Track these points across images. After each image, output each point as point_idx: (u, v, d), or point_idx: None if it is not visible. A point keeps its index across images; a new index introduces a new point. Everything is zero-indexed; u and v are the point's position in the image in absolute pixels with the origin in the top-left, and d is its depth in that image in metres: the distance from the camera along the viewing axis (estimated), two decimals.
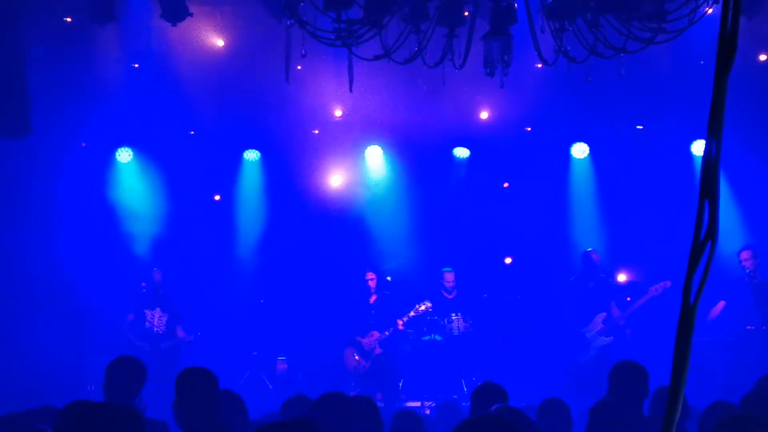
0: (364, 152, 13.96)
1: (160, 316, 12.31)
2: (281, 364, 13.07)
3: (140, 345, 11.98)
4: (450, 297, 12.96)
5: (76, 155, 12.94)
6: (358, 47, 6.76)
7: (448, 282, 12.94)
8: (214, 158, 13.68)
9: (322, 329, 13.26)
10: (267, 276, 13.61)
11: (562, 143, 13.88)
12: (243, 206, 13.99)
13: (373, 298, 12.71)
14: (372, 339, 12.49)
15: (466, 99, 12.79)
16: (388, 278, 13.00)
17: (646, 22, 6.48)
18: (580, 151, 13.92)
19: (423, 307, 12.42)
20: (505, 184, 14.00)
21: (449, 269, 13.01)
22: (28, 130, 10.79)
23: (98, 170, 13.29)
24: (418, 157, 13.84)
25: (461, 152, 14.02)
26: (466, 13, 6.88)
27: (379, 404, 5.84)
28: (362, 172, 14.00)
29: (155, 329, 12.25)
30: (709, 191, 1.48)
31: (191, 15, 10.31)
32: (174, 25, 10.36)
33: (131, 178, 13.52)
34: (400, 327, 12.48)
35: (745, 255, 12.02)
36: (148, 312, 12.30)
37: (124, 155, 13.47)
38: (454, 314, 12.81)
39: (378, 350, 12.50)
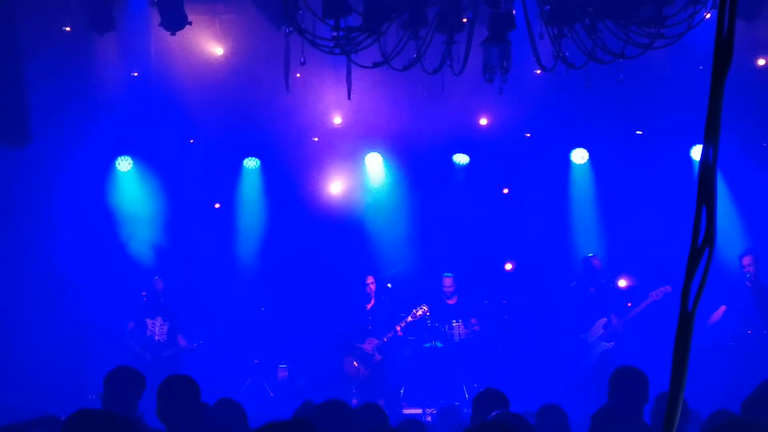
0: (363, 159, 13.96)
1: (161, 325, 12.31)
2: (282, 372, 13.06)
3: (142, 354, 11.97)
4: (451, 303, 12.94)
5: (77, 164, 12.94)
6: (357, 54, 6.77)
7: (447, 287, 12.93)
8: (214, 166, 13.68)
9: (323, 336, 13.24)
10: (267, 283, 13.60)
11: (561, 149, 13.88)
12: (243, 214, 13.98)
13: (370, 304, 12.70)
14: (370, 345, 12.48)
15: (466, 105, 12.79)
16: (389, 285, 12.99)
17: (644, 28, 6.48)
18: (579, 156, 13.92)
19: (420, 312, 12.42)
20: (505, 190, 14.00)
21: (449, 274, 13.00)
22: (28, 138, 10.81)
23: (98, 179, 13.28)
24: (418, 164, 13.84)
25: (461, 158, 14.01)
26: (465, 20, 6.89)
27: None
28: (362, 179, 14.00)
29: (156, 338, 12.24)
30: (706, 197, 1.48)
31: (190, 24, 10.33)
32: (173, 33, 10.38)
33: (131, 186, 13.52)
34: (399, 333, 12.47)
35: (746, 260, 12.03)
36: (149, 321, 12.29)
37: (124, 164, 13.47)
38: (454, 321, 12.80)
39: (377, 357, 12.48)
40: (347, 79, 7.40)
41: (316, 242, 13.68)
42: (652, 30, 6.50)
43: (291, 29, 6.54)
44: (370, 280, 12.72)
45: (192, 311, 12.84)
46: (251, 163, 14.00)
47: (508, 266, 13.89)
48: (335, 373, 12.73)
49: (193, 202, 13.54)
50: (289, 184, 13.79)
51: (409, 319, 12.44)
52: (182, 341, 12.29)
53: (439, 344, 12.75)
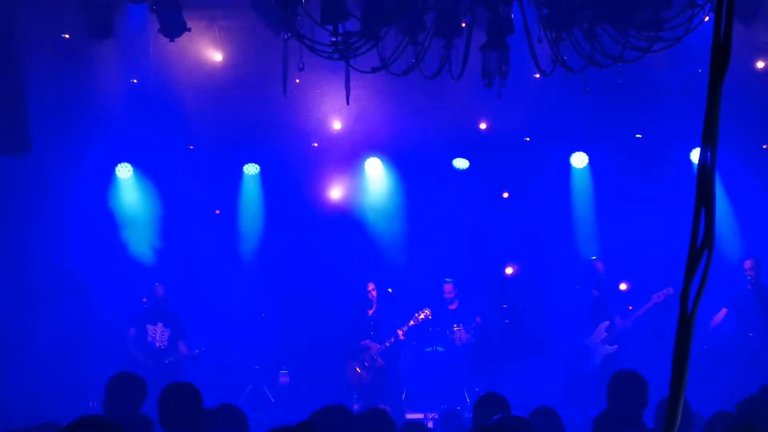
0: (363, 164, 13.96)
1: (162, 331, 12.29)
2: (283, 378, 13.05)
3: (143, 360, 11.96)
4: (452, 308, 12.93)
5: (77, 171, 12.94)
6: (356, 60, 6.78)
7: (448, 293, 12.92)
8: (214, 172, 13.69)
9: (325, 342, 13.23)
10: (268, 289, 13.60)
11: (561, 153, 13.88)
12: (243, 220, 13.98)
13: (372, 310, 12.68)
14: (372, 351, 12.46)
15: (465, 110, 12.80)
16: (389, 290, 12.99)
17: (642, 31, 6.49)
18: (579, 160, 13.92)
19: (422, 315, 12.41)
20: (505, 194, 14.00)
21: (449, 280, 13.00)
22: (28, 146, 10.81)
23: (99, 186, 13.29)
24: (418, 169, 13.85)
25: (461, 163, 14.02)
26: (464, 24, 6.90)
27: None
28: (362, 184, 14.01)
29: (157, 344, 12.23)
30: (705, 200, 1.48)
31: (189, 30, 10.33)
32: (172, 40, 10.39)
33: (132, 193, 13.52)
34: (401, 337, 12.45)
35: (748, 263, 12.06)
36: (150, 327, 12.28)
37: (124, 171, 13.48)
38: (455, 325, 12.79)
39: (380, 362, 12.47)
40: (346, 84, 7.41)
41: (316, 247, 13.69)
42: (651, 34, 6.51)
43: (290, 35, 6.55)
44: (371, 286, 12.70)
45: (193, 317, 12.82)
46: (251, 169, 14.00)
47: (509, 270, 13.89)
48: (337, 379, 12.71)
49: (194, 208, 13.54)
50: (290, 190, 13.79)
51: (412, 323, 12.43)
52: (183, 348, 12.28)
53: (440, 348, 12.74)
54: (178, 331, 12.38)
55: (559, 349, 12.95)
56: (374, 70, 6.85)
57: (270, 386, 12.99)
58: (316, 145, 13.76)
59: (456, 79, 6.85)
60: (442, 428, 8.17)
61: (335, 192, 13.98)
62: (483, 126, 13.63)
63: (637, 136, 13.56)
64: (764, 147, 13.34)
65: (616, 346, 12.34)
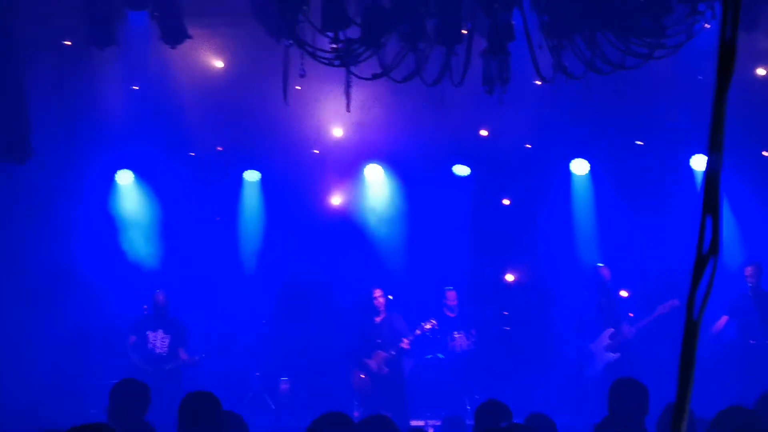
0: (364, 171, 13.96)
1: (162, 338, 12.28)
2: (284, 385, 13.03)
3: (143, 367, 11.94)
4: (452, 315, 12.92)
5: (77, 177, 12.94)
6: (357, 66, 6.78)
7: (450, 301, 12.91)
8: (215, 179, 13.68)
9: (325, 348, 13.21)
10: (269, 295, 13.59)
11: (562, 160, 13.88)
12: (244, 227, 13.98)
13: (380, 318, 12.61)
14: (378, 359, 12.43)
15: (466, 116, 12.80)
16: (390, 297, 12.97)
17: (643, 38, 6.49)
18: (580, 167, 13.91)
19: (429, 326, 12.38)
20: (505, 201, 13.98)
21: (451, 288, 12.99)
22: (29, 153, 10.81)
23: (99, 192, 13.29)
24: (418, 175, 13.84)
25: (461, 170, 14.01)
26: (464, 31, 6.90)
27: None
28: (362, 191, 14.00)
29: (157, 351, 12.21)
30: (711, 206, 1.47)
31: (190, 37, 10.35)
32: (173, 47, 10.40)
33: (132, 199, 13.52)
34: (406, 346, 12.38)
35: (748, 270, 12.05)
36: (150, 334, 12.26)
37: (125, 177, 13.48)
38: (456, 332, 12.78)
39: (384, 370, 12.43)
40: (346, 91, 7.41)
41: (317, 254, 13.67)
42: (652, 40, 6.52)
43: (291, 41, 6.56)
44: (378, 293, 12.60)
45: (194, 324, 12.81)
46: (252, 176, 14.00)
47: (509, 277, 13.87)
48: (337, 386, 12.69)
49: (194, 215, 13.53)
50: (290, 197, 13.79)
51: (418, 332, 12.40)
52: (183, 354, 12.26)
53: (440, 356, 12.73)
54: (179, 337, 12.36)
55: (560, 356, 12.94)
56: (375, 76, 6.85)
57: (271, 393, 12.97)
58: (316, 152, 13.75)
59: (457, 86, 6.85)
60: None
61: (336, 199, 13.98)
62: (484, 133, 13.63)
63: (638, 143, 13.55)
64: (764, 153, 13.34)
65: (618, 354, 12.32)
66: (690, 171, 13.50)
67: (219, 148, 13.53)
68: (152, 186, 13.54)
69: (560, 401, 11.98)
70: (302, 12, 6.39)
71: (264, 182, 14.02)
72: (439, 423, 9.85)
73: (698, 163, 13.35)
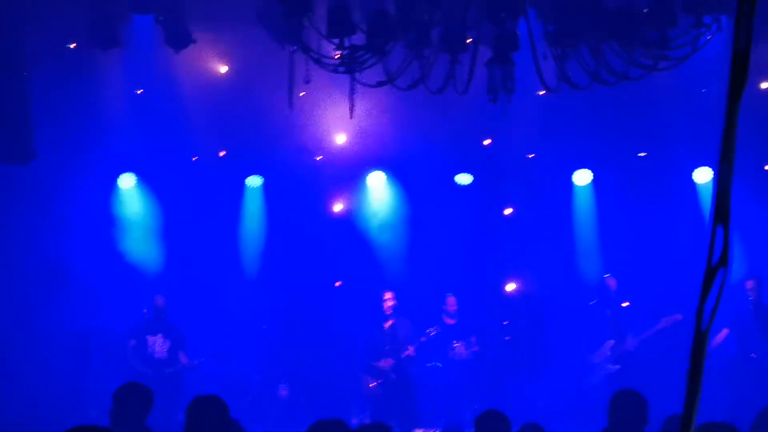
0: (366, 178, 13.96)
1: (162, 342, 12.27)
2: (283, 390, 13.01)
3: (143, 371, 11.92)
4: (452, 322, 12.89)
5: (80, 180, 12.94)
6: (362, 74, 6.78)
7: (450, 306, 12.89)
8: (217, 184, 13.67)
9: (325, 355, 13.19)
10: (269, 301, 13.57)
11: (564, 170, 13.87)
12: (246, 232, 13.96)
13: (389, 323, 12.57)
14: (386, 365, 12.41)
15: (469, 125, 12.79)
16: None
17: (649, 50, 6.50)
18: (583, 178, 13.89)
19: (433, 332, 12.38)
20: (506, 211, 13.96)
21: (450, 294, 12.97)
22: (32, 155, 10.82)
23: (101, 195, 13.28)
24: (421, 183, 13.83)
25: (464, 178, 14.00)
26: (469, 40, 6.90)
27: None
28: (365, 198, 14.00)
29: (157, 355, 12.20)
30: (722, 217, 1.47)
31: (194, 42, 10.36)
32: (177, 51, 10.41)
33: (134, 203, 13.51)
34: (412, 353, 12.37)
35: (749, 284, 12.05)
36: (149, 338, 12.25)
37: (127, 181, 13.47)
38: (455, 341, 12.76)
39: (392, 376, 12.42)
40: (350, 97, 7.41)
41: (318, 260, 13.65)
42: (657, 52, 6.52)
43: (296, 47, 6.56)
44: (388, 295, 12.58)
45: (194, 328, 12.80)
46: (255, 181, 13.99)
47: (510, 287, 13.84)
48: (338, 392, 12.68)
49: (196, 219, 13.51)
50: (293, 203, 13.77)
51: (423, 339, 12.39)
52: (183, 358, 12.25)
53: (439, 364, 12.70)
54: (178, 342, 12.35)
55: (560, 367, 12.91)
56: (379, 84, 6.85)
57: (270, 399, 12.94)
58: (320, 158, 13.74)
59: (461, 95, 6.85)
60: None
61: (338, 205, 13.97)
62: (487, 142, 13.62)
63: (641, 154, 13.54)
64: (766, 168, 13.33)
65: (619, 366, 12.30)
66: (692, 184, 13.49)
67: (222, 153, 13.52)
68: (154, 190, 13.53)
69: (560, 412, 11.96)
70: (307, 18, 6.39)
71: (266, 188, 14.01)
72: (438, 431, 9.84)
73: (701, 176, 13.35)
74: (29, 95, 10.62)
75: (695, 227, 13.05)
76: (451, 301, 12.91)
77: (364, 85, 6.90)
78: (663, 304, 12.41)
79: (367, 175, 13.94)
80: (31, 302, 12.44)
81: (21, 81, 10.49)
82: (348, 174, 13.77)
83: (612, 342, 12.43)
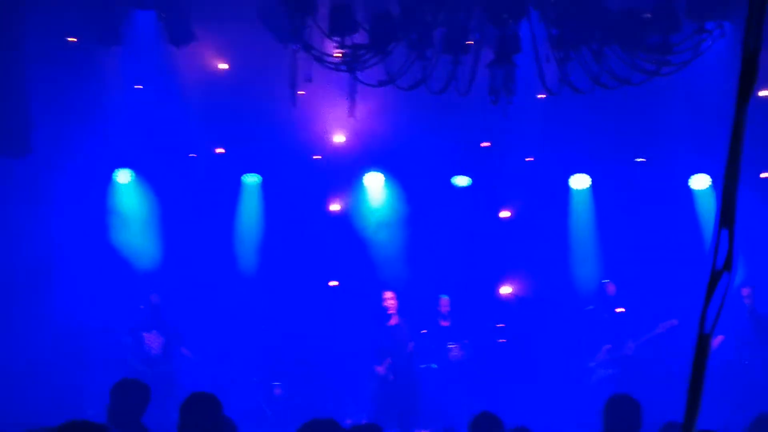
0: (364, 178, 13.95)
1: (156, 339, 12.25)
2: (277, 389, 12.98)
3: (138, 367, 11.90)
4: (446, 324, 12.88)
5: (77, 175, 12.91)
6: (363, 73, 6.77)
7: (444, 308, 12.89)
8: (215, 181, 13.65)
9: (321, 354, 13.17)
10: (266, 299, 13.55)
11: (562, 174, 13.86)
12: (243, 230, 13.93)
13: (392, 321, 12.58)
14: (385, 365, 12.41)
15: (468, 126, 12.79)
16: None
17: (651, 54, 6.49)
18: (580, 182, 13.89)
19: (424, 331, 12.40)
20: (506, 213, 13.95)
21: (445, 295, 12.97)
22: (29, 149, 10.80)
23: (98, 191, 13.25)
24: (418, 184, 13.82)
25: (461, 180, 13.99)
26: (471, 42, 6.90)
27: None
28: (362, 198, 13.98)
29: (152, 352, 12.18)
30: (727, 221, 1.46)
31: (196, 39, 10.34)
32: (178, 48, 10.40)
33: (130, 199, 13.49)
34: (411, 349, 12.39)
35: (745, 291, 12.07)
36: (145, 335, 12.24)
37: (124, 176, 13.44)
38: (450, 343, 12.75)
39: (391, 377, 12.42)
40: (350, 96, 7.40)
41: (314, 259, 13.64)
42: (659, 57, 6.51)
43: (298, 46, 6.55)
44: (388, 295, 12.60)
45: (190, 326, 12.78)
46: (252, 179, 13.97)
47: (506, 289, 13.83)
48: (333, 392, 12.68)
49: (193, 217, 13.48)
50: (290, 201, 13.75)
51: (424, 331, 12.40)
52: (185, 351, 12.30)
53: (434, 365, 12.69)
54: (173, 339, 12.34)
55: (555, 370, 12.91)
56: (381, 83, 6.84)
57: (265, 398, 12.92)
58: (318, 157, 13.72)
59: (462, 95, 6.84)
60: None
61: (335, 205, 13.95)
62: (485, 144, 13.62)
63: (639, 159, 13.54)
64: (761, 176, 13.33)
65: (614, 370, 12.30)
66: (688, 191, 13.49)
67: (220, 150, 13.50)
68: (151, 185, 13.50)
69: (554, 415, 11.95)
70: (310, 16, 6.38)
71: (264, 186, 13.99)
72: None
73: (698, 183, 13.36)
74: (28, 89, 10.59)
75: (692, 233, 13.07)
76: (444, 302, 12.90)
77: (366, 84, 6.89)
78: (660, 310, 12.42)
79: (365, 174, 13.93)
80: (26, 297, 12.40)
81: (20, 74, 10.46)
82: (346, 173, 13.76)
83: (609, 346, 12.44)
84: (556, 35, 6.55)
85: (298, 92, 8.13)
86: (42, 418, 6.64)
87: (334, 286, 13.64)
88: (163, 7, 10.15)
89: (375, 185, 13.99)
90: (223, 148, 13.47)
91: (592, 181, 13.86)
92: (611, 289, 12.79)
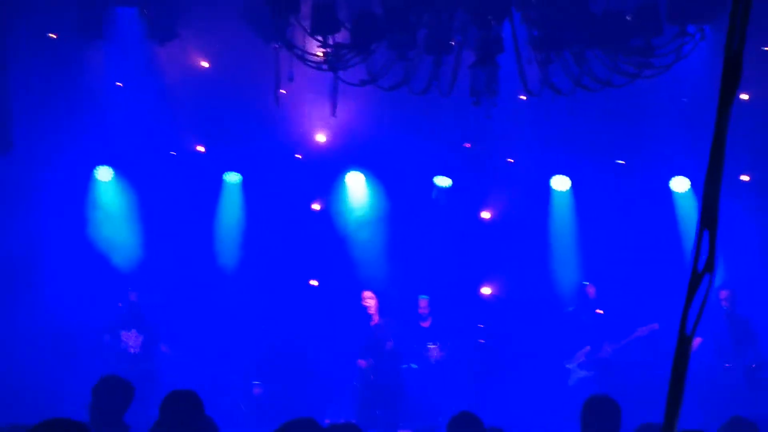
0: (345, 178, 13.94)
1: (135, 337, 12.20)
2: (256, 389, 12.95)
3: (117, 366, 11.84)
4: (425, 325, 12.90)
5: (57, 172, 12.84)
6: (345, 72, 6.77)
7: (422, 308, 12.90)
8: (195, 179, 13.60)
9: (301, 352, 13.15)
10: (246, 298, 13.51)
11: (543, 175, 13.90)
12: (223, 228, 13.89)
13: (374, 322, 12.58)
14: (365, 364, 12.42)
15: (450, 127, 12.81)
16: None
17: (632, 57, 6.52)
18: (561, 183, 13.93)
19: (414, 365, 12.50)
20: (486, 214, 13.97)
21: (425, 296, 12.98)
22: (10, 145, 10.73)
23: (78, 188, 13.19)
24: (400, 184, 13.83)
25: (443, 181, 14.00)
26: (453, 42, 6.90)
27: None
28: (344, 198, 13.98)
29: (131, 350, 12.13)
30: (709, 222, 1.47)
31: (178, 36, 10.31)
32: (161, 45, 10.36)
33: (111, 196, 13.43)
34: (390, 347, 12.39)
35: (724, 294, 12.12)
36: (123, 333, 12.19)
37: (105, 173, 13.37)
38: (430, 343, 12.76)
39: (371, 377, 12.43)
40: (333, 95, 7.40)
41: (295, 259, 13.62)
42: (640, 59, 6.54)
43: (280, 44, 6.54)
44: (367, 294, 12.61)
45: (170, 324, 12.74)
46: (233, 178, 13.92)
47: (486, 290, 13.85)
48: (313, 391, 12.67)
49: (173, 215, 13.43)
50: (271, 200, 13.72)
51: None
52: (164, 348, 12.25)
53: (414, 366, 12.70)
54: (153, 337, 12.29)
55: (534, 371, 12.94)
56: (363, 83, 6.84)
57: (245, 397, 12.89)
58: (299, 156, 13.71)
59: (445, 96, 6.85)
60: None
61: (316, 204, 13.93)
62: (467, 144, 13.63)
63: (619, 162, 13.59)
64: (741, 178, 13.41)
65: (593, 372, 12.35)
66: (668, 193, 13.55)
67: (200, 149, 13.45)
68: (132, 183, 13.44)
69: (533, 417, 11.99)
70: (293, 15, 6.37)
71: (245, 185, 13.95)
72: None
73: (677, 185, 13.42)
74: (8, 85, 10.53)
75: (672, 236, 13.13)
76: (423, 303, 12.92)
77: (348, 83, 6.88)
78: (639, 312, 12.47)
79: (346, 174, 13.92)
80: (4, 295, 12.33)
81: (1, 70, 10.40)
82: (327, 172, 13.75)
83: (588, 348, 12.49)
84: (537, 37, 6.57)
85: (280, 91, 8.13)
86: (21, 417, 6.59)
87: (314, 286, 13.63)
88: (146, 4, 10.11)
89: (356, 184, 13.99)
90: (204, 146, 13.42)
91: (573, 183, 13.90)
92: (591, 291, 12.84)
